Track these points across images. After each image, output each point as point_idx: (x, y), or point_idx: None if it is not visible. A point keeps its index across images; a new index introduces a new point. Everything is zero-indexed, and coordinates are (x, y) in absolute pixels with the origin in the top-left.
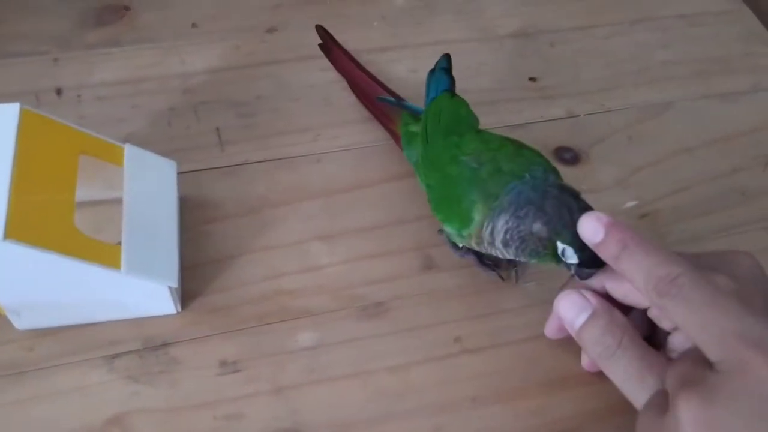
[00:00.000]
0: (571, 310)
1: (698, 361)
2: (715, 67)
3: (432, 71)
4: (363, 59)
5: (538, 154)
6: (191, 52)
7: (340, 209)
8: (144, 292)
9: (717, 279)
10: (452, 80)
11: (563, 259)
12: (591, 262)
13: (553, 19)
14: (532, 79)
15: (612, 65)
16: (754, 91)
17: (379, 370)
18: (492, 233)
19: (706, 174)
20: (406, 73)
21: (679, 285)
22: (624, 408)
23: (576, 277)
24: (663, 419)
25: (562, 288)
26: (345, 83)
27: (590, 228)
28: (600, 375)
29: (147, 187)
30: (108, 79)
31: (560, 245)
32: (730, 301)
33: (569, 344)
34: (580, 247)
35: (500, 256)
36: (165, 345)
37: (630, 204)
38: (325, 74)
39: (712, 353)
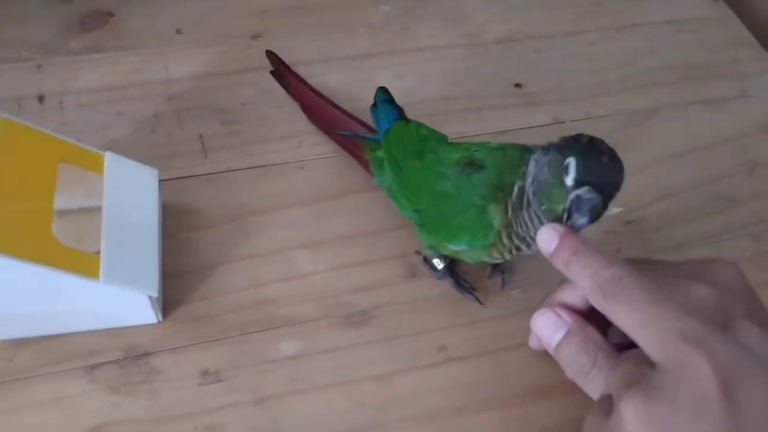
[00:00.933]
0: (547, 328)
1: (640, 360)
2: (702, 73)
3: (373, 105)
4: (349, 66)
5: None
6: (175, 59)
7: (324, 217)
8: (124, 302)
9: (695, 288)
10: (399, 108)
11: (566, 180)
12: (601, 180)
13: (540, 26)
14: (517, 85)
15: (598, 72)
16: (740, 97)
17: (362, 379)
18: (522, 197)
19: (692, 180)
20: (392, 80)
21: (622, 285)
22: None
23: (570, 225)
24: (608, 420)
25: (540, 306)
26: (330, 89)
27: (546, 237)
28: None
29: (127, 195)
30: (91, 86)
31: (571, 171)
32: (671, 301)
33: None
34: (583, 161)
35: (530, 235)
36: (146, 355)
37: (615, 211)
38: (311, 80)
39: (653, 352)
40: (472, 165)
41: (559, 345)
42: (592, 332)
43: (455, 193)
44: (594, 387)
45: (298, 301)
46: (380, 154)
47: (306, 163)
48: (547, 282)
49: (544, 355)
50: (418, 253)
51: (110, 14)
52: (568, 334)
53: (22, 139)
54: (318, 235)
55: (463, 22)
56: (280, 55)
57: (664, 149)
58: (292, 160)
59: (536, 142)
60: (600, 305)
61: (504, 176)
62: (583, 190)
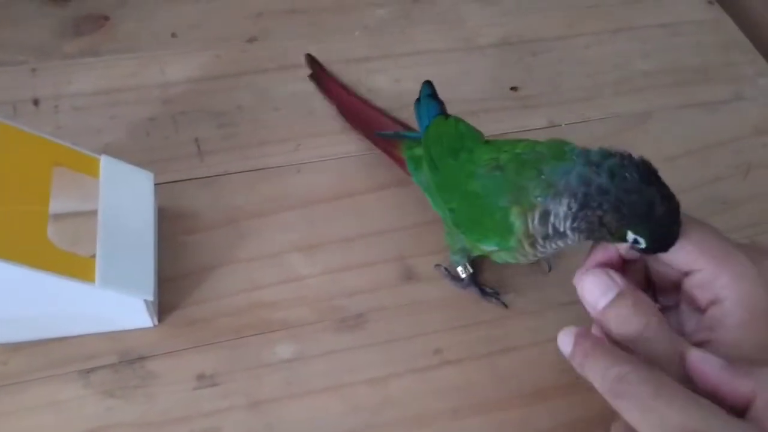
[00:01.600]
0: (596, 289)
1: None
2: (696, 76)
3: (418, 100)
4: (345, 69)
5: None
6: (171, 62)
7: (320, 220)
8: (119, 306)
9: None
10: (441, 103)
11: (630, 243)
12: (660, 247)
13: (535, 29)
14: (513, 88)
15: (593, 75)
16: (734, 99)
17: (358, 382)
18: (547, 223)
19: (687, 183)
20: (389, 83)
21: (627, 382)
22: (602, 419)
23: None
24: None
25: (582, 267)
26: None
27: (563, 341)
28: (579, 386)
29: (123, 198)
30: (86, 90)
31: (631, 235)
32: (675, 392)
33: (548, 355)
34: (654, 239)
35: (555, 248)
36: (141, 359)
37: None
38: (306, 84)
39: None
40: (497, 166)
41: (608, 306)
42: (645, 296)
43: (483, 193)
44: (644, 351)
45: (293, 305)
46: (417, 151)
47: (302, 166)
48: (542, 286)
49: (538, 358)
50: (438, 265)
51: (105, 18)
52: (620, 296)
53: (18, 143)
54: (314, 239)
55: (459, 25)
56: (276, 59)
57: (659, 152)
58: (289, 164)
59: None
60: (613, 405)
61: (527, 180)
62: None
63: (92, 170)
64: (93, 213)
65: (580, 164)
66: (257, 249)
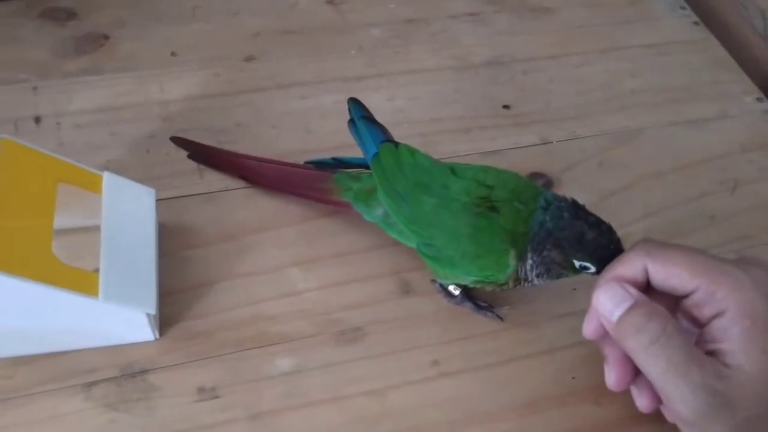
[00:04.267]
0: (610, 301)
1: None
2: (683, 94)
3: (351, 122)
4: (341, 88)
5: (514, 174)
6: (170, 80)
7: (318, 235)
8: (122, 320)
9: (755, 269)
10: (382, 127)
11: (582, 270)
12: (603, 263)
13: (526, 49)
14: (505, 106)
15: (583, 93)
16: (721, 117)
17: (356, 394)
18: (526, 271)
19: (675, 199)
20: (384, 101)
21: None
22: (595, 430)
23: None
24: None
25: (599, 281)
26: (323, 111)
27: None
28: (573, 397)
29: (125, 214)
30: (87, 107)
31: (577, 263)
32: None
33: (543, 367)
34: (597, 262)
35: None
36: (143, 372)
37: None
38: (304, 102)
39: None
40: (489, 207)
41: (624, 316)
42: (659, 306)
43: (478, 234)
44: (659, 358)
45: (292, 318)
46: (360, 187)
47: None
48: (535, 299)
49: (534, 369)
50: (433, 281)
51: (106, 37)
52: (635, 305)
53: (23, 159)
54: (312, 253)
55: (452, 45)
56: (274, 78)
57: (647, 168)
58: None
59: (525, 162)
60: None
61: (518, 226)
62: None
63: (95, 186)
64: (96, 228)
65: (541, 212)
66: (257, 264)
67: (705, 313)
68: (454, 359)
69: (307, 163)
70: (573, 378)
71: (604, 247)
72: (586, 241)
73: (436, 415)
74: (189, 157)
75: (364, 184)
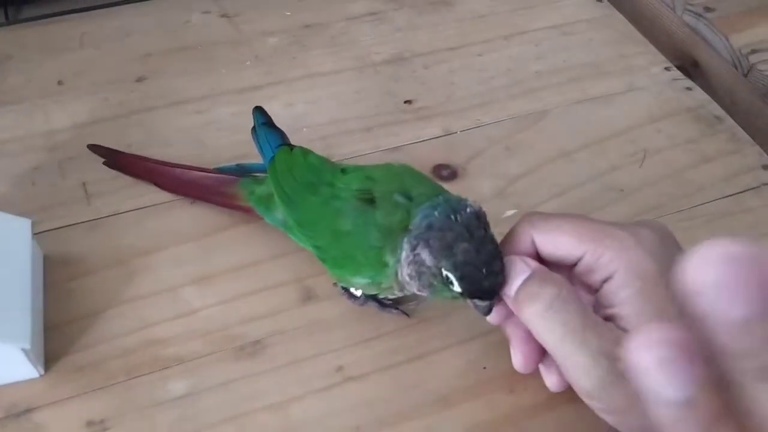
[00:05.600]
0: (509, 275)
1: None
2: (589, 71)
3: (253, 129)
4: (237, 99)
5: (408, 168)
6: (56, 110)
7: (215, 250)
8: None
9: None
10: (281, 132)
11: (453, 288)
12: (473, 290)
13: (427, 42)
14: (407, 101)
15: (486, 81)
16: (628, 90)
17: (256, 410)
18: (402, 272)
19: (584, 175)
20: (282, 108)
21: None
22: (509, 419)
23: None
24: None
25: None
26: (219, 124)
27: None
28: (483, 388)
29: None
30: None
31: (444, 272)
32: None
33: (452, 360)
34: (460, 279)
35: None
36: (28, 411)
37: (509, 213)
38: (199, 116)
39: None
40: (367, 201)
41: (521, 286)
42: (556, 274)
43: (354, 231)
44: (555, 324)
45: (187, 339)
46: (259, 191)
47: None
48: None
49: (441, 364)
50: (336, 284)
51: None
52: (531, 275)
53: None
54: (208, 269)
55: (352, 46)
56: (166, 96)
57: (555, 149)
58: (181, 197)
59: (428, 154)
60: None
61: (396, 221)
62: (474, 301)
63: None
64: None
65: (429, 209)
66: (148, 286)
67: (595, 278)
68: (360, 362)
69: (216, 169)
70: (484, 368)
71: (474, 267)
72: (459, 251)
73: (342, 422)
74: (105, 164)
75: (266, 188)
